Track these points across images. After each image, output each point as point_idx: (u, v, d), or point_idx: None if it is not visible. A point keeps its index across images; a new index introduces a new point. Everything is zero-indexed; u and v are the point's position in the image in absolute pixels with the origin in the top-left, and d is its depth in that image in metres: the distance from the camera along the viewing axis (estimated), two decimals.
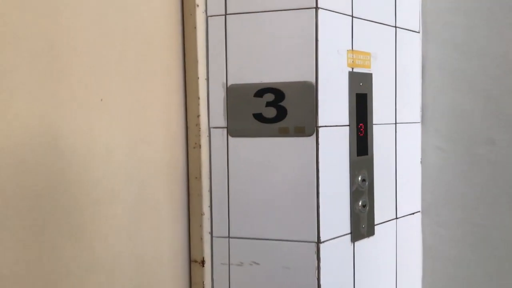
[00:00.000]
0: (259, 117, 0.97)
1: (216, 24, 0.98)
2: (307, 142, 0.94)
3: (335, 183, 0.99)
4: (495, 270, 1.19)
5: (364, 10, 1.04)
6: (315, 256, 0.94)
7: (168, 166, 0.98)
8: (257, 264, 0.98)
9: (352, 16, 1.01)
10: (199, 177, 0.99)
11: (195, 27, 0.98)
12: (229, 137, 0.99)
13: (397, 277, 1.16)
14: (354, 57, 1.02)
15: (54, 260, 0.82)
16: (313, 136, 0.94)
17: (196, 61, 0.98)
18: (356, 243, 1.03)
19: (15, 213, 0.78)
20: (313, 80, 0.94)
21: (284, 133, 0.95)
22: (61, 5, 0.83)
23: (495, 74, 1.17)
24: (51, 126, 0.82)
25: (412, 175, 1.21)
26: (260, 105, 0.96)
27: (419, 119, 1.23)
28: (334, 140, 0.98)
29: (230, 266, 0.99)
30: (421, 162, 1.23)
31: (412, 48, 1.20)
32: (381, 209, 1.09)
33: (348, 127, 1.01)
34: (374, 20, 1.07)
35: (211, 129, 1.00)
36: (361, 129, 1.03)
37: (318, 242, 0.94)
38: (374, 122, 1.07)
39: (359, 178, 1.03)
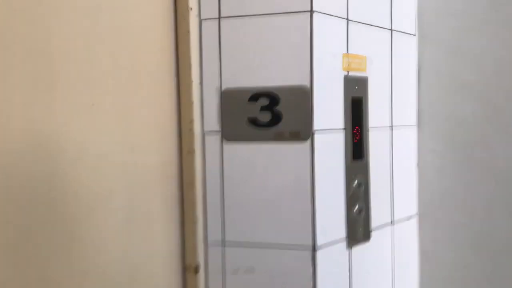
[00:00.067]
0: (253, 121, 0.96)
1: (210, 27, 0.98)
2: (302, 147, 0.93)
3: (331, 188, 0.98)
4: (493, 274, 1.19)
5: (359, 13, 1.03)
6: (311, 262, 0.93)
7: (161, 172, 0.97)
8: (253, 270, 0.97)
9: (348, 20, 1.01)
10: (192, 183, 0.98)
11: (188, 31, 0.97)
12: (224, 142, 0.98)
13: (394, 282, 1.15)
14: (350, 60, 1.01)
15: (45, 269, 0.81)
16: (308, 141, 0.93)
17: (189, 65, 0.97)
18: (352, 248, 1.02)
19: (3, 220, 0.76)
20: (308, 84, 0.93)
21: (279, 138, 0.95)
22: (52, 8, 0.82)
23: (492, 77, 1.17)
24: (42, 132, 0.81)
25: (409, 179, 1.21)
26: (255, 110, 0.96)
27: (415, 123, 1.22)
28: (330, 145, 0.97)
29: (225, 273, 0.98)
30: (417, 165, 1.23)
31: (408, 51, 1.20)
32: (378, 214, 1.09)
33: (343, 131, 1.00)
34: (370, 23, 1.07)
35: (205, 134, 0.99)
36: (357, 133, 1.03)
37: (314, 248, 0.93)
38: (370, 126, 1.06)
39: (355, 183, 1.03)
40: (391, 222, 1.14)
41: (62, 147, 0.83)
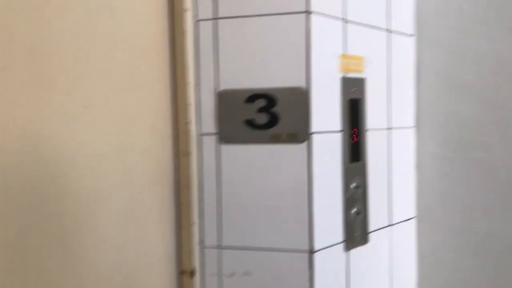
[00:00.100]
0: (250, 123, 0.95)
1: (206, 28, 0.97)
2: (299, 149, 0.93)
3: (328, 190, 0.97)
4: (492, 276, 1.18)
5: (357, 14, 1.02)
6: (308, 265, 0.92)
7: (157, 174, 0.96)
8: (249, 274, 0.96)
9: (345, 20, 1.00)
10: (189, 186, 0.97)
11: (184, 32, 0.96)
12: (220, 144, 0.97)
13: (392, 285, 1.14)
14: (347, 61, 1.00)
15: (41, 271, 0.80)
16: (305, 143, 0.93)
17: (185, 67, 0.96)
18: (350, 251, 1.01)
19: (0, 221, 0.75)
20: (306, 86, 0.92)
21: (276, 140, 0.94)
22: (45, 9, 0.81)
23: (491, 78, 1.17)
24: (35, 134, 0.80)
25: (407, 181, 1.20)
26: (252, 111, 0.95)
27: (413, 124, 1.21)
28: (327, 147, 0.97)
29: (221, 276, 0.97)
30: (416, 167, 1.22)
31: (406, 52, 1.19)
32: (376, 216, 1.08)
33: (341, 133, 1.00)
34: (367, 24, 1.06)
35: (201, 136, 0.98)
36: (355, 135, 1.02)
37: (311, 251, 0.92)
38: (367, 128, 1.06)
39: (353, 185, 1.02)
40: (389, 224, 1.13)
41: (57, 149, 0.82)
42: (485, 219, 1.18)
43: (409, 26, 1.20)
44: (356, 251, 1.02)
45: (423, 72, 1.21)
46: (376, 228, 1.09)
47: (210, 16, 0.96)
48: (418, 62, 1.21)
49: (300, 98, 0.92)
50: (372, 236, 1.07)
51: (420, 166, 1.22)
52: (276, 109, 0.94)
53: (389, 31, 1.12)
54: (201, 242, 0.98)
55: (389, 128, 1.13)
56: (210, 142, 0.97)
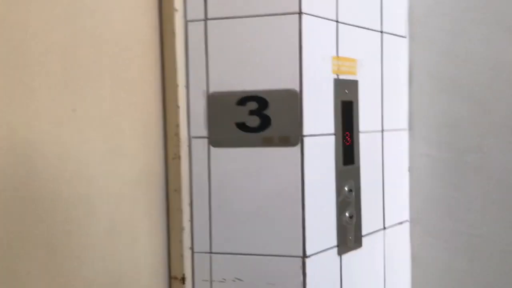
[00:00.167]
0: (242, 126, 0.94)
1: (196, 29, 0.95)
2: (292, 152, 0.91)
3: (321, 194, 0.96)
4: (486, 279, 1.18)
5: (349, 15, 1.01)
6: (301, 271, 0.91)
7: (146, 178, 0.94)
8: (241, 280, 0.94)
9: (337, 22, 0.99)
10: (178, 190, 0.96)
11: (173, 33, 0.95)
12: (211, 148, 0.96)
13: None
14: (340, 63, 0.99)
15: (25, 279, 0.78)
16: (298, 146, 0.91)
17: (175, 68, 0.95)
18: (343, 256, 1.00)
19: None
20: (298, 88, 0.91)
21: (268, 143, 0.93)
22: (29, 9, 0.79)
23: (484, 79, 1.16)
24: (20, 139, 0.78)
25: (400, 184, 1.19)
26: (243, 114, 0.93)
27: (406, 126, 1.21)
28: (320, 150, 0.96)
29: (212, 283, 0.96)
30: (409, 170, 1.21)
31: (399, 54, 1.18)
32: (369, 220, 1.07)
33: (334, 136, 0.99)
34: (360, 25, 1.05)
35: (192, 139, 0.97)
36: (347, 138, 1.01)
37: (304, 256, 0.91)
38: (360, 130, 1.05)
39: (346, 188, 1.01)
40: (383, 228, 1.13)
41: (43, 154, 0.80)
42: (479, 222, 1.17)
43: (402, 28, 1.19)
44: (349, 255, 1.02)
45: (416, 74, 1.20)
46: (369, 232, 1.08)
47: (200, 17, 0.95)
48: (411, 64, 1.20)
49: (292, 100, 0.91)
50: (365, 240, 1.06)
51: (413, 168, 1.21)
52: (267, 111, 0.92)
53: (381, 33, 1.12)
54: (192, 247, 0.97)
55: (382, 131, 1.13)
56: (200, 146, 0.96)
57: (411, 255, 1.22)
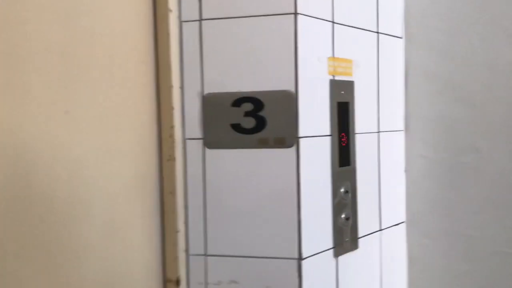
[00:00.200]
0: (237, 127, 0.93)
1: (191, 30, 0.95)
2: (287, 153, 0.91)
3: (317, 196, 0.95)
4: (483, 281, 1.17)
5: (345, 15, 1.01)
6: (297, 273, 0.91)
7: (140, 180, 0.93)
8: (236, 283, 0.94)
9: (333, 22, 0.98)
10: (173, 192, 0.95)
11: (168, 33, 0.94)
12: (206, 149, 0.95)
13: None
14: (335, 64, 0.99)
15: (18, 280, 0.77)
16: (293, 148, 0.91)
17: (169, 69, 0.94)
18: (339, 257, 1.00)
19: None
20: (293, 89, 0.90)
21: (263, 144, 0.92)
22: (22, 9, 0.78)
23: (480, 80, 1.16)
24: (13, 140, 0.77)
25: (396, 185, 1.19)
26: (238, 115, 0.93)
27: (402, 127, 1.20)
28: (316, 151, 0.95)
29: (208, 285, 0.95)
30: (405, 171, 1.21)
31: (395, 54, 1.18)
32: (365, 221, 1.07)
33: (329, 137, 0.98)
34: (356, 26, 1.04)
35: (186, 141, 0.96)
36: (343, 139, 1.01)
37: (300, 258, 0.91)
38: (356, 131, 1.04)
39: (342, 190, 1.00)
40: (379, 229, 1.12)
41: (36, 155, 0.79)
42: (476, 223, 1.17)
43: (398, 28, 1.19)
44: (345, 257, 1.01)
45: (412, 75, 1.20)
46: (366, 234, 1.07)
47: (195, 17, 0.94)
48: (407, 65, 1.20)
49: (287, 101, 0.91)
50: (361, 242, 1.05)
51: (409, 170, 1.20)
52: (263, 113, 0.92)
53: (377, 33, 1.11)
54: (187, 250, 0.96)
55: (378, 132, 1.12)
56: (195, 147, 0.95)
57: (407, 257, 1.21)
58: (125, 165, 0.91)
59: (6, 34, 0.76)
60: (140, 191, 0.93)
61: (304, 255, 0.91)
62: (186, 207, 0.96)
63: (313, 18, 0.94)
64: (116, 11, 0.90)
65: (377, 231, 1.11)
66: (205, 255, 0.95)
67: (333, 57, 0.98)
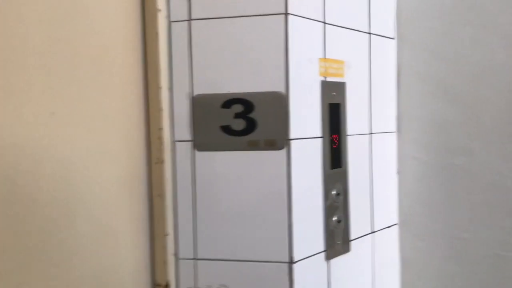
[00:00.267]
0: (227, 129, 0.92)
1: (180, 30, 0.93)
2: (278, 155, 0.90)
3: (308, 198, 0.94)
4: (475, 283, 1.17)
5: (336, 16, 1.00)
6: (288, 277, 0.89)
7: (128, 183, 0.92)
8: (226, 287, 0.92)
9: (324, 23, 0.97)
10: (162, 195, 0.93)
11: (157, 33, 0.92)
12: (195, 151, 0.94)
13: None
14: (327, 65, 0.98)
15: (3, 283, 0.75)
16: (284, 150, 0.90)
17: (158, 70, 0.93)
18: (331, 260, 0.99)
19: None
20: (284, 90, 0.89)
21: (254, 146, 0.91)
22: (6, 10, 0.76)
23: (473, 81, 1.15)
24: None
25: (389, 187, 1.18)
26: (228, 117, 0.92)
27: (395, 129, 1.20)
28: (307, 153, 0.94)
29: None
30: (397, 173, 1.20)
31: (387, 55, 1.17)
32: (357, 224, 1.06)
33: (321, 139, 0.97)
34: (347, 27, 1.04)
35: (175, 143, 0.95)
36: (335, 141, 1.00)
37: (291, 262, 0.90)
38: (348, 133, 1.03)
39: (334, 192, 0.99)
40: (371, 232, 1.11)
41: (21, 158, 0.78)
42: (468, 225, 1.17)
43: (390, 29, 1.18)
44: (337, 260, 1.00)
45: (404, 76, 1.19)
46: (358, 236, 1.06)
47: (184, 17, 0.93)
48: (399, 66, 1.19)
49: (278, 103, 0.90)
50: (353, 244, 1.04)
51: (401, 171, 1.20)
52: (253, 114, 0.91)
53: (369, 34, 1.10)
54: (176, 253, 0.95)
55: (370, 133, 1.11)
56: (184, 149, 0.94)
57: (400, 259, 1.21)
58: (113, 168, 0.90)
59: None
60: (128, 194, 0.92)
61: (295, 259, 0.90)
62: (175, 210, 0.95)
63: (304, 19, 0.93)
64: (104, 10, 0.89)
65: (369, 234, 1.11)
66: (195, 259, 0.94)
67: (324, 58, 0.97)
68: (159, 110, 0.93)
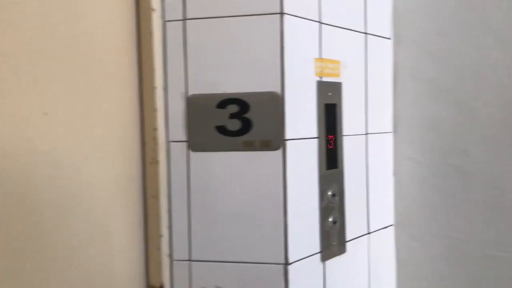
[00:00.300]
0: (222, 130, 0.91)
1: (174, 29, 0.93)
2: (273, 156, 0.89)
3: (304, 199, 0.94)
4: (470, 284, 1.17)
5: (332, 16, 0.99)
6: (283, 278, 0.89)
7: (123, 183, 0.91)
8: None
9: (320, 23, 0.97)
10: (157, 196, 0.93)
11: (151, 33, 0.92)
12: (190, 152, 0.93)
13: None
14: (323, 65, 0.97)
15: None
16: (280, 150, 0.89)
17: (152, 70, 0.92)
18: (326, 262, 0.98)
19: None
20: (280, 90, 0.89)
21: (249, 147, 0.90)
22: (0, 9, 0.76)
23: (469, 82, 1.15)
24: None
25: (385, 188, 1.18)
26: (223, 117, 0.91)
27: (391, 129, 1.19)
28: (303, 154, 0.93)
29: None
30: (393, 173, 1.20)
31: (383, 56, 1.17)
32: (353, 225, 1.05)
33: (317, 139, 0.97)
34: (343, 27, 1.03)
35: (170, 143, 0.94)
36: (331, 141, 0.99)
37: (286, 263, 0.89)
38: (344, 134, 1.03)
39: (329, 193, 0.99)
40: (367, 232, 1.11)
41: (13, 158, 0.77)
42: (464, 226, 1.16)
43: (387, 29, 1.17)
44: (333, 261, 1.00)
45: (400, 76, 1.19)
46: (354, 237, 1.06)
47: (179, 17, 0.92)
48: (395, 66, 1.19)
49: (273, 103, 0.89)
50: (349, 245, 1.04)
51: (397, 172, 1.20)
52: (248, 115, 0.90)
53: (365, 34, 1.10)
54: (170, 255, 0.94)
55: (366, 134, 1.11)
56: (179, 150, 0.93)
57: (396, 260, 1.20)
58: (107, 168, 0.89)
59: None
60: (122, 194, 0.91)
61: (290, 260, 0.90)
62: (169, 211, 0.94)
63: (299, 18, 0.92)
64: (97, 10, 0.88)
65: (365, 235, 1.10)
66: (190, 260, 0.93)
67: (320, 58, 0.97)
68: (154, 110, 0.93)
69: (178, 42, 0.93)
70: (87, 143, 0.86)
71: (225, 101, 0.91)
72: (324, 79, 0.98)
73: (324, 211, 0.98)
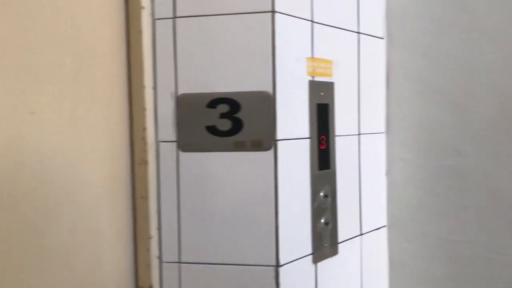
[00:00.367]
0: (212, 130, 0.90)
1: (164, 28, 0.91)
2: (265, 156, 0.88)
3: (296, 200, 0.93)
4: (464, 285, 1.16)
5: (325, 15, 0.98)
6: (274, 281, 0.88)
7: (111, 184, 0.90)
8: None
9: (312, 21, 0.96)
10: (146, 197, 0.92)
11: (140, 31, 0.91)
12: (180, 152, 0.92)
13: None
14: (315, 65, 0.96)
15: None
16: (271, 150, 0.88)
17: (141, 69, 0.91)
18: (318, 263, 0.97)
19: None
20: (271, 90, 0.88)
21: (240, 147, 0.89)
22: None
23: (462, 82, 1.15)
24: None
25: (377, 188, 1.17)
26: (214, 117, 0.90)
27: (383, 130, 1.19)
28: (294, 154, 0.93)
29: None
30: (386, 174, 1.19)
31: (376, 55, 1.16)
32: (345, 226, 1.04)
33: (309, 139, 0.96)
34: (336, 26, 1.02)
35: (159, 144, 0.93)
36: (323, 142, 0.98)
37: (277, 265, 0.88)
38: (336, 134, 1.02)
39: (321, 194, 0.98)
40: (360, 234, 1.10)
41: None
42: (457, 227, 1.16)
43: (379, 29, 1.17)
44: (325, 263, 0.99)
45: (393, 76, 1.18)
46: (346, 238, 1.05)
47: (169, 15, 0.91)
48: (388, 66, 1.18)
49: (265, 103, 0.88)
50: (341, 247, 1.03)
51: (390, 173, 1.19)
52: (239, 114, 0.89)
53: (358, 33, 1.09)
54: (160, 257, 0.93)
55: (358, 134, 1.10)
56: (168, 150, 0.92)
57: (389, 261, 1.20)
58: (95, 169, 0.88)
59: None
60: (111, 195, 0.90)
61: (281, 262, 0.89)
62: (159, 212, 0.93)
63: (291, 17, 0.91)
64: (85, 7, 0.87)
65: (357, 236, 1.09)
66: (179, 262, 0.92)
67: (312, 57, 0.96)
68: (143, 109, 0.91)
69: (168, 40, 0.91)
70: (74, 143, 0.85)
71: (215, 101, 0.90)
72: (316, 78, 0.97)
73: (316, 212, 0.97)
